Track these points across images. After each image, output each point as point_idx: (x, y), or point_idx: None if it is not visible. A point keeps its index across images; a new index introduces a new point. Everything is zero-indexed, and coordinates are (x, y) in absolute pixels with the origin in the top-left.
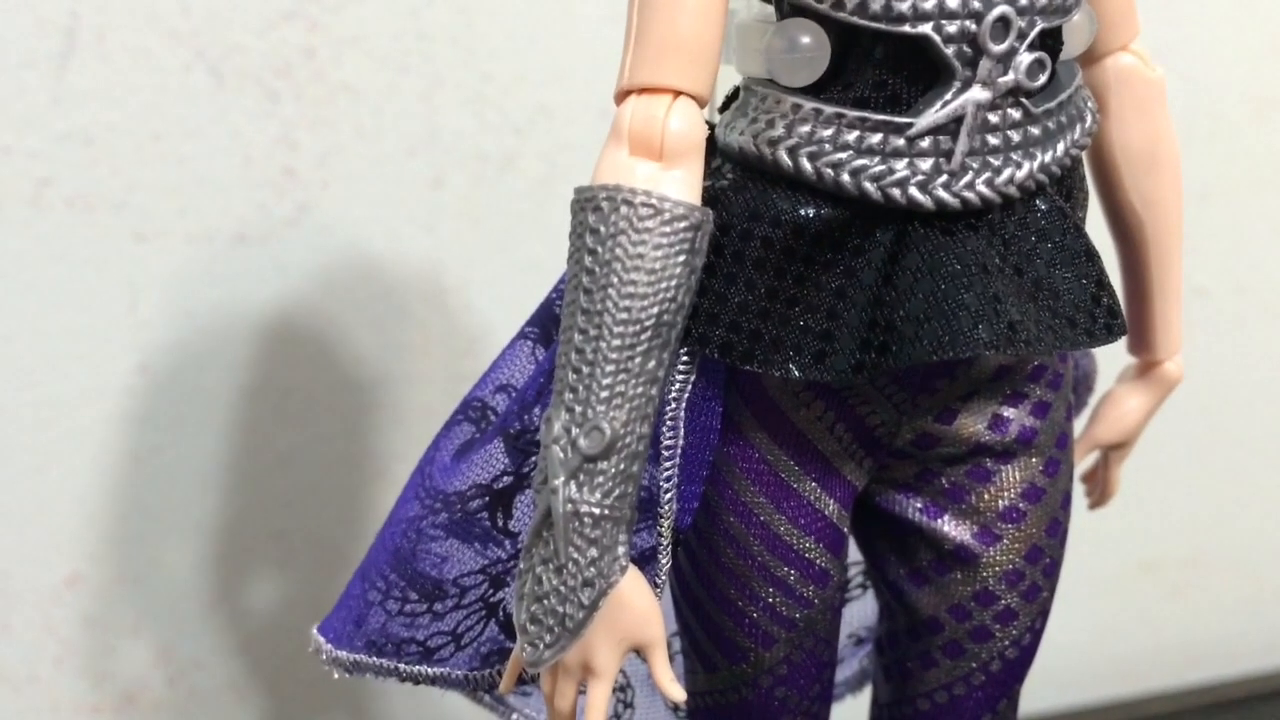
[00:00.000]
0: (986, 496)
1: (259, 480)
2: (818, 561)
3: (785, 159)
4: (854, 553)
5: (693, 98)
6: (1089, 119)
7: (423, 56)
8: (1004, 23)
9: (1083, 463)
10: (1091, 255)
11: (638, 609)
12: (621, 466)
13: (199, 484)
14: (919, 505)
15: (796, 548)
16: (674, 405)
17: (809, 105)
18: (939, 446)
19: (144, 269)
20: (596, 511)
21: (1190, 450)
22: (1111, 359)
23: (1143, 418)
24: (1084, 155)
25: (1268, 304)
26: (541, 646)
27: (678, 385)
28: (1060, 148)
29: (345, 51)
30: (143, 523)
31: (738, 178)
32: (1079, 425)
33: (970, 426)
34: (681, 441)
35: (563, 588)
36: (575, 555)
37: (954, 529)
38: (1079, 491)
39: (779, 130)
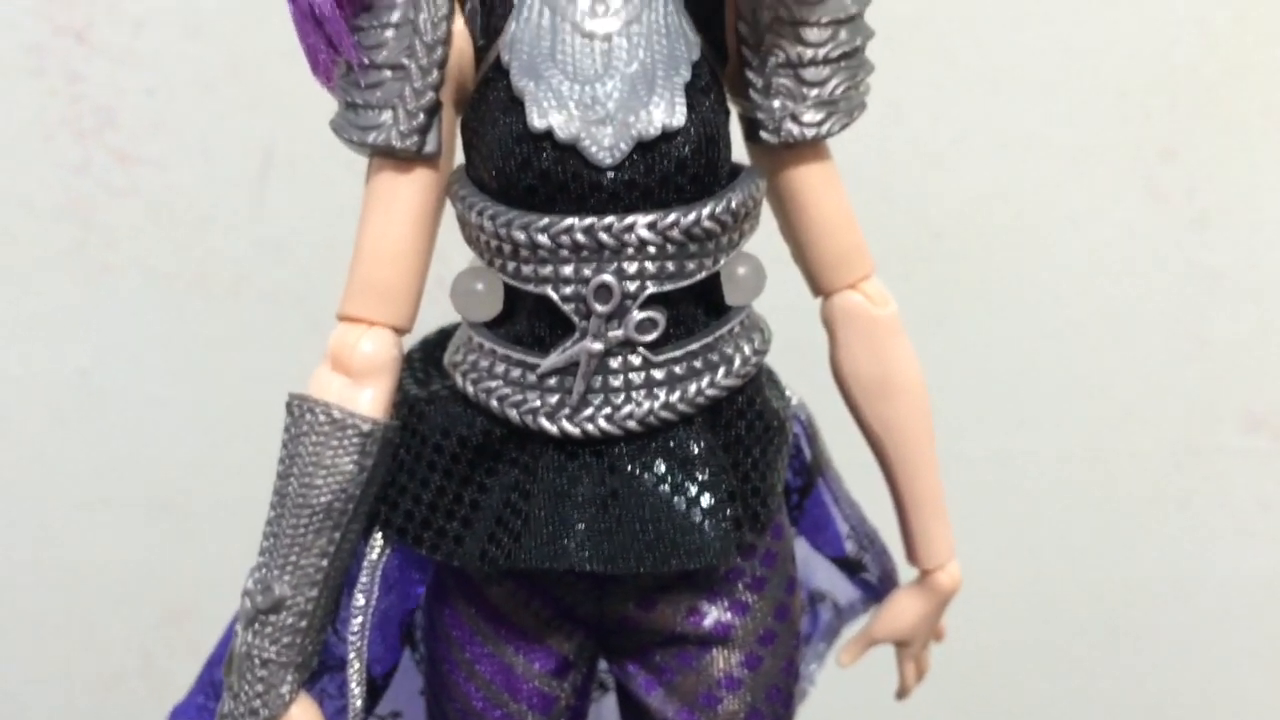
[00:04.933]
0: (691, 680)
1: None
2: (522, 715)
3: (459, 381)
4: None
5: (389, 327)
6: (736, 361)
7: None
8: (606, 289)
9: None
10: (707, 487)
11: None
12: (289, 621)
13: None
14: (640, 680)
15: (497, 701)
16: (366, 573)
17: (477, 339)
18: (641, 630)
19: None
20: (265, 656)
21: None
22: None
23: (915, 621)
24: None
25: None
26: None
27: (373, 557)
28: (693, 388)
29: None
30: None
31: (439, 390)
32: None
33: (669, 616)
34: (373, 604)
35: (237, 711)
36: (247, 688)
37: (663, 704)
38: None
39: (460, 356)
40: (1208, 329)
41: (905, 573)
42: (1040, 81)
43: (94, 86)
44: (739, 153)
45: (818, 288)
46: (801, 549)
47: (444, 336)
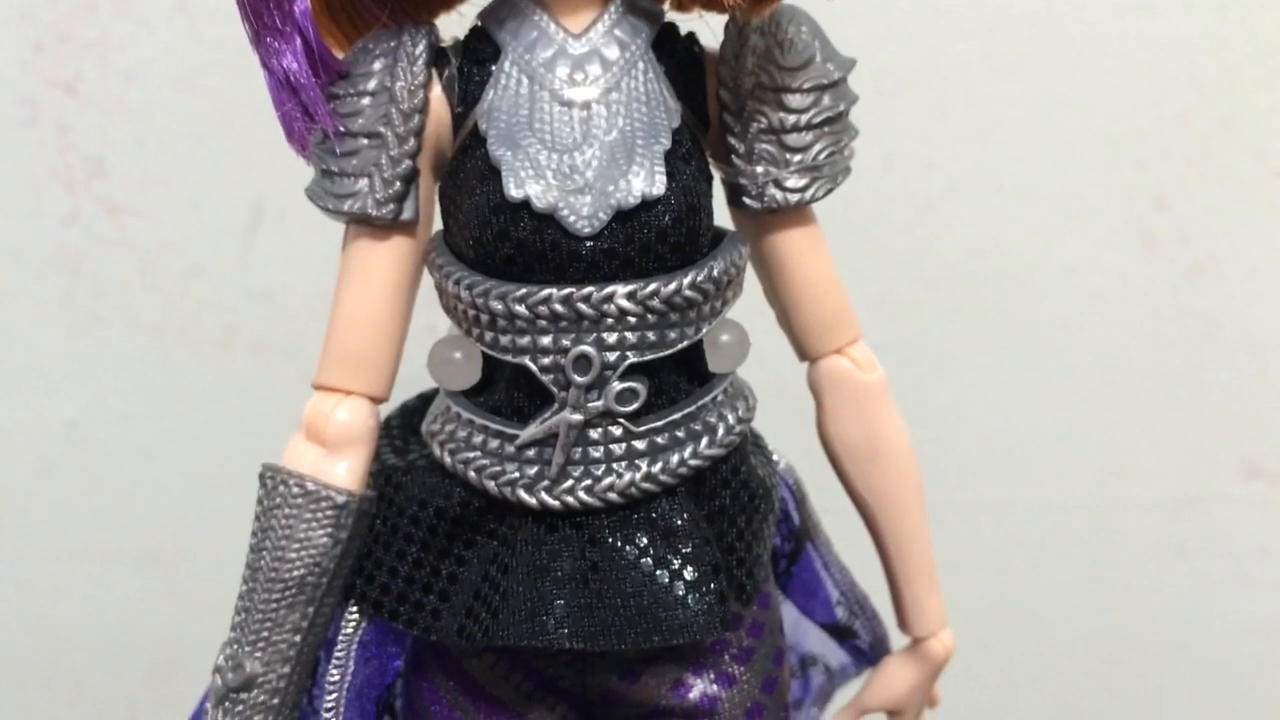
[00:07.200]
0: None
1: None
2: None
3: (436, 450)
4: None
5: (366, 396)
6: (720, 430)
7: None
8: (586, 359)
9: None
10: (691, 560)
11: None
12: (260, 699)
13: None
14: None
15: None
16: (342, 645)
17: (454, 408)
18: (625, 703)
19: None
20: None
21: None
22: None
23: (908, 689)
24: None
25: None
26: None
27: (349, 629)
28: (675, 459)
29: None
30: None
31: (416, 460)
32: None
33: (653, 688)
34: (349, 678)
35: None
36: None
37: None
38: None
39: (437, 425)
40: (1204, 376)
41: (896, 638)
42: (1032, 131)
43: (84, 138)
44: (722, 217)
45: (804, 353)
46: (791, 614)
47: (424, 402)
